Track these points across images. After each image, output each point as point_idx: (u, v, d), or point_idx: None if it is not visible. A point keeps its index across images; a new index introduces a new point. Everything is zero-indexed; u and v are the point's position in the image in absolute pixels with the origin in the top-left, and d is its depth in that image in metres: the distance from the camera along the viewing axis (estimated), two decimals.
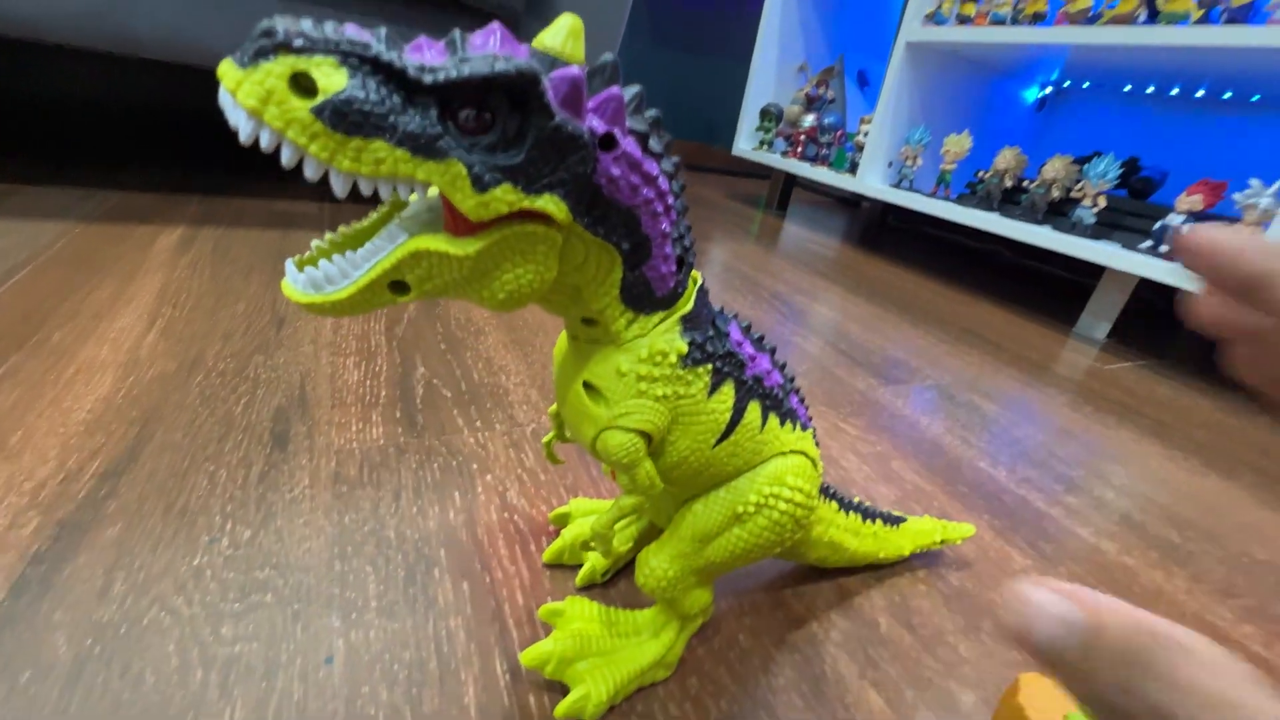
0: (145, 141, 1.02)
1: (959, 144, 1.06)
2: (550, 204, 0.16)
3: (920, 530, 0.33)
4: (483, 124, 0.14)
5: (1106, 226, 0.91)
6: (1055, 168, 0.94)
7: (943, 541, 0.34)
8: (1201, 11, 0.75)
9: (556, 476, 0.37)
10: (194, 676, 0.23)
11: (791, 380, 0.24)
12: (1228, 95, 1.04)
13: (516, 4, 0.76)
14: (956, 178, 1.11)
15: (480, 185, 0.14)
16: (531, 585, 0.29)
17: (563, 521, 0.32)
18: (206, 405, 0.38)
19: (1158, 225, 0.83)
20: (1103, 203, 0.88)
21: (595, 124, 0.16)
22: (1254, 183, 0.73)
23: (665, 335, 0.20)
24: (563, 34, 0.15)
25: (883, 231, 1.57)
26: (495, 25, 0.15)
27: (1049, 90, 1.27)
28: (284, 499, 0.32)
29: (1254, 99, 1.03)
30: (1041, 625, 0.10)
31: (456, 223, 0.16)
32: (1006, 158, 1.00)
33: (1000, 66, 1.15)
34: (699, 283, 0.21)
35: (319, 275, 0.15)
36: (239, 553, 0.28)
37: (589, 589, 0.30)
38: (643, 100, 0.18)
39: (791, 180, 1.53)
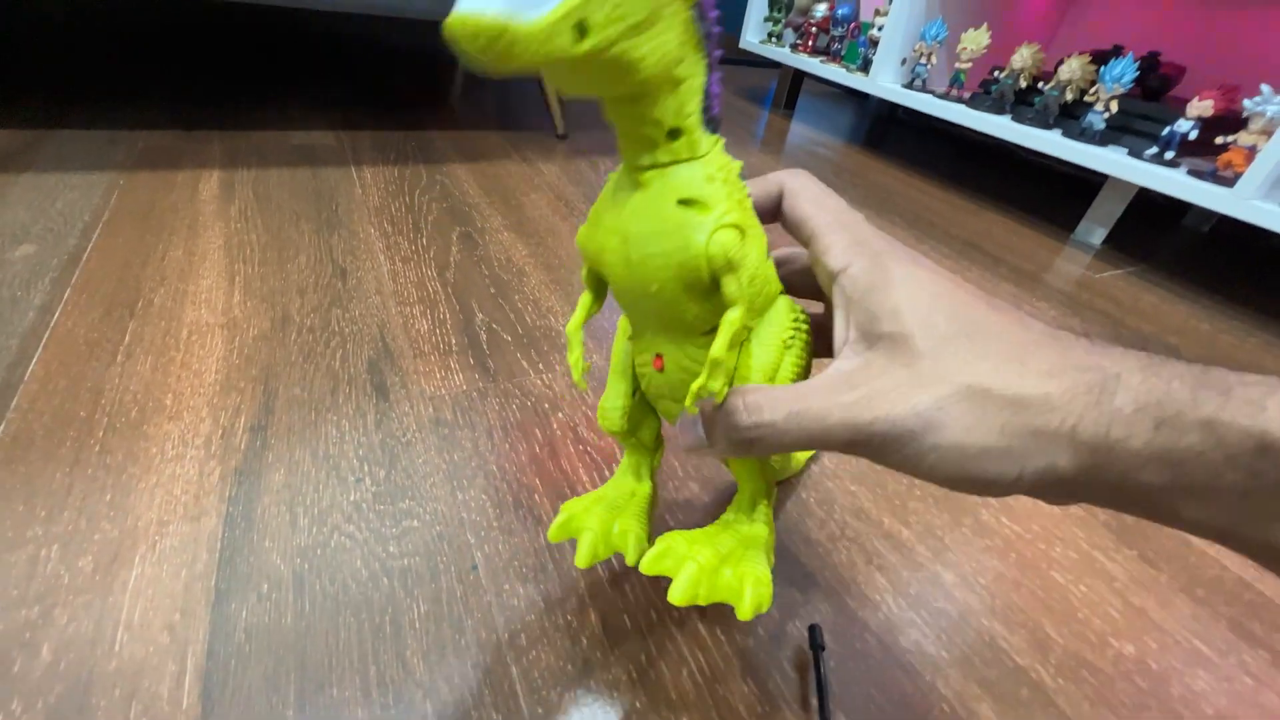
0: (140, 72, 0.99)
1: (975, 40, 1.03)
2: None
3: None
4: None
5: (1117, 130, 0.92)
6: (1072, 68, 0.92)
7: None
8: None
9: None
10: (382, 582, 0.31)
11: None
12: None
13: None
14: (973, 76, 1.09)
15: None
16: None
17: (568, 532, 0.28)
18: (310, 361, 0.44)
19: (1166, 131, 0.84)
20: (1115, 107, 0.88)
21: None
22: (1264, 89, 0.74)
23: (720, 152, 0.21)
24: None
25: (891, 127, 1.54)
26: None
27: None
28: (400, 443, 0.39)
29: None
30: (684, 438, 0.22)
31: None
32: (1024, 56, 0.98)
33: None
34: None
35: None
36: (381, 489, 0.36)
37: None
38: None
39: (800, 77, 1.47)
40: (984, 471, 0.18)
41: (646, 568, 0.24)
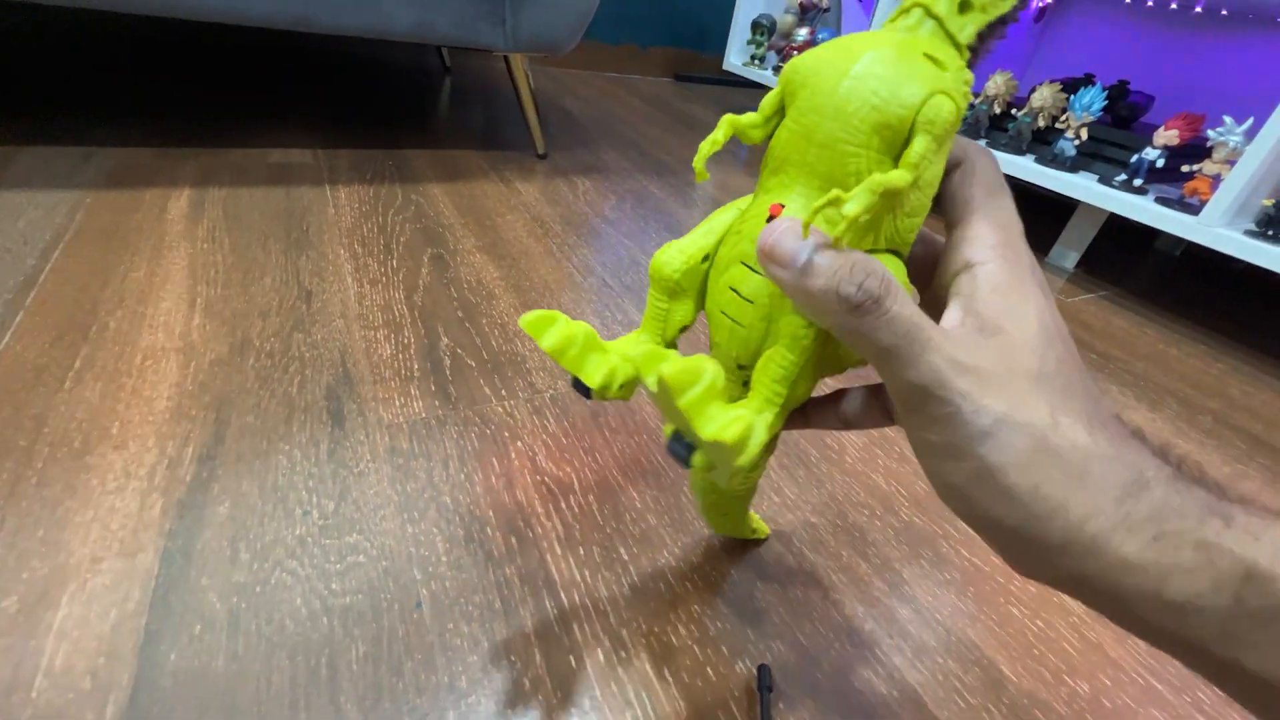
0: (119, 88, 0.99)
1: None
2: None
3: None
4: None
5: (1087, 157, 0.93)
6: (1043, 96, 0.94)
7: None
8: None
9: (575, 440, 0.44)
10: (322, 622, 0.30)
11: None
12: (1224, 12, 1.02)
13: None
14: None
15: None
16: (565, 538, 0.37)
17: (542, 330, 0.22)
18: (266, 387, 0.43)
19: (1134, 158, 0.86)
20: (1085, 135, 0.90)
21: None
22: (1227, 120, 0.76)
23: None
24: None
25: None
26: None
27: (1048, 0, 1.22)
28: (353, 473, 0.38)
29: (1249, 16, 1.01)
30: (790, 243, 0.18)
31: None
32: (997, 83, 1.00)
33: None
34: None
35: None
36: (329, 522, 0.35)
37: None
38: None
39: None
40: (995, 506, 0.18)
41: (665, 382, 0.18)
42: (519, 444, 0.43)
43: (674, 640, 0.32)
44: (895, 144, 0.18)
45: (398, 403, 0.44)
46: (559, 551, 0.36)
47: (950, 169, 0.21)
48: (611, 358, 0.23)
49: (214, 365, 0.44)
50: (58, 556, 0.31)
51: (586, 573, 0.35)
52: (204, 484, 0.36)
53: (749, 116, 0.21)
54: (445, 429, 0.43)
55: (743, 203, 0.23)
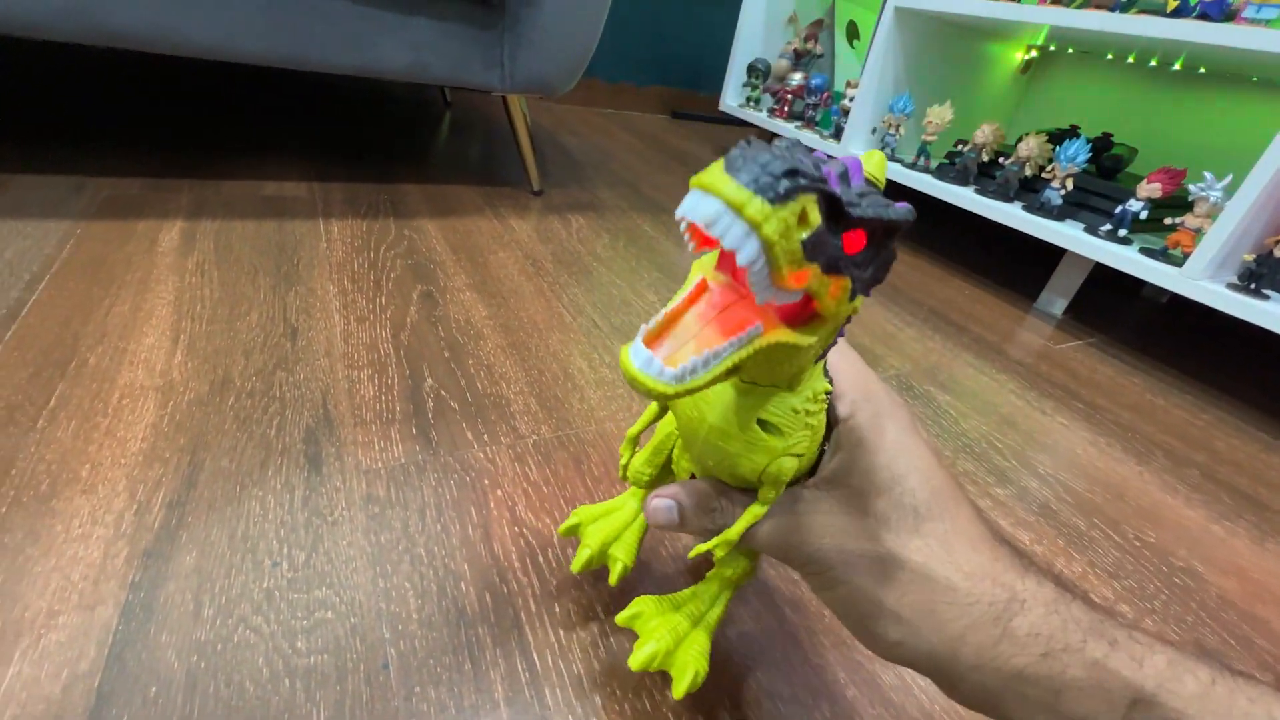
0: (116, 117, 1.00)
1: (940, 115, 1.07)
2: (859, 300, 0.18)
3: None
4: (857, 252, 0.16)
5: (1073, 205, 0.95)
6: (1030, 146, 0.96)
7: None
8: (1176, 3, 0.76)
9: (556, 489, 0.43)
10: (283, 684, 0.29)
11: None
12: (1202, 70, 1.05)
13: None
14: (939, 147, 1.13)
15: (852, 295, 0.17)
16: (541, 594, 0.36)
17: (574, 533, 0.34)
18: (244, 429, 0.43)
19: (1119, 210, 0.87)
20: (1070, 185, 0.92)
21: None
22: (1207, 175, 0.78)
23: (819, 377, 0.23)
24: (879, 164, 0.19)
25: None
26: (852, 159, 0.18)
27: (1034, 54, 1.26)
28: (327, 522, 0.37)
29: (1227, 75, 1.05)
30: (657, 518, 0.25)
31: (784, 313, 0.17)
32: (985, 132, 1.03)
33: (987, 30, 1.15)
34: None
35: (688, 369, 0.16)
36: (298, 575, 0.34)
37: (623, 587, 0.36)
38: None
39: (775, 138, 1.52)
40: (873, 624, 0.21)
41: (620, 620, 0.30)
42: (499, 492, 0.42)
43: (649, 707, 0.31)
44: (752, 481, 0.24)
45: (377, 447, 0.44)
46: (534, 609, 0.35)
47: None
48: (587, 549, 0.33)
49: (192, 405, 0.44)
50: (13, 610, 0.30)
51: (562, 633, 0.34)
52: (172, 532, 0.35)
53: (646, 417, 0.30)
54: (424, 476, 0.42)
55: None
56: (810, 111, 1.36)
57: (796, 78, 1.37)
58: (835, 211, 0.15)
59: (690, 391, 0.16)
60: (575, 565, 0.33)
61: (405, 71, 0.78)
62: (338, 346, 0.53)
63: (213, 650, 0.30)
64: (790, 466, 0.22)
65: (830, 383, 0.24)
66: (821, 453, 0.25)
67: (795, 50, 1.43)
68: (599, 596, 0.36)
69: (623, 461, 0.31)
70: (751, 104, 1.49)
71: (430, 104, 1.46)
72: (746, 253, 0.14)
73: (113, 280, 0.56)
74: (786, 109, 1.40)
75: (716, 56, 1.86)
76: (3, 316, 0.48)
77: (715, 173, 0.14)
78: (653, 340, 0.17)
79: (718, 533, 0.24)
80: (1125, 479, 0.58)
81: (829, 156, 0.17)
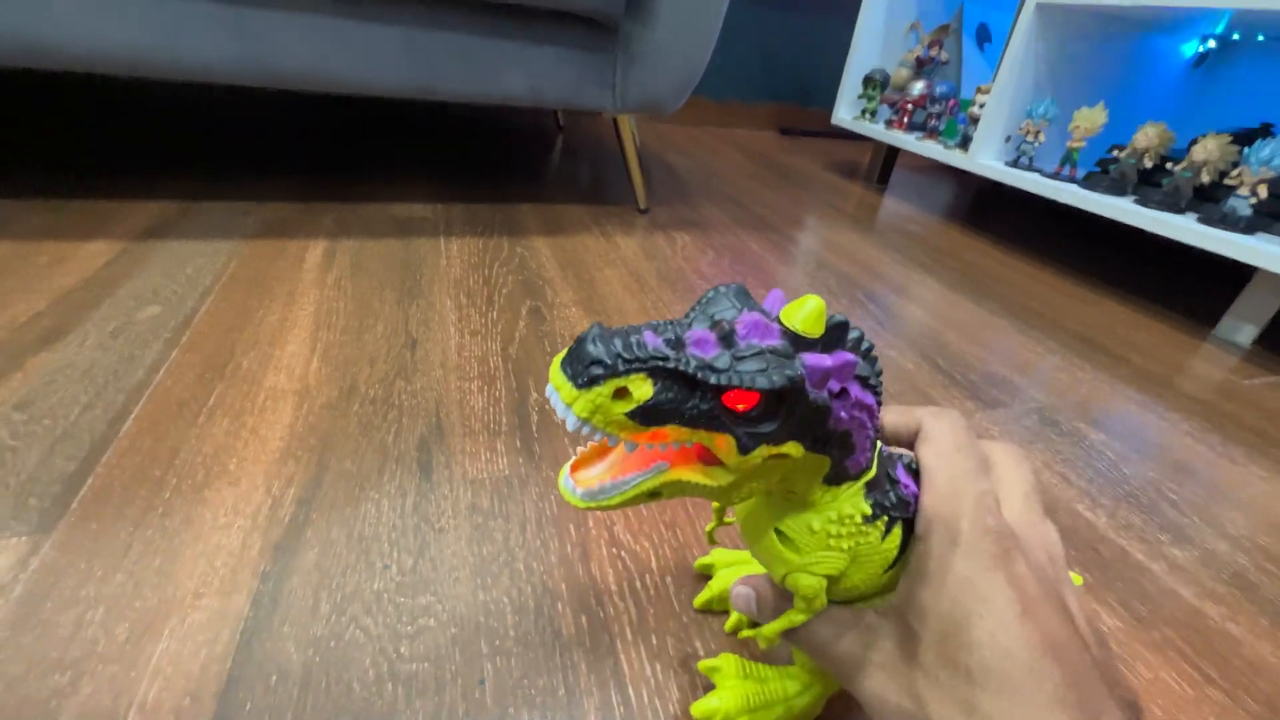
0: (278, 149, 1.14)
1: (1090, 119, 0.96)
2: (791, 448, 0.18)
3: None
4: (750, 409, 0.17)
5: (1267, 217, 0.81)
6: (1208, 148, 0.83)
7: None
8: None
9: (655, 512, 0.42)
10: (386, 688, 0.29)
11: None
12: None
13: (615, 8, 0.76)
14: (1087, 154, 1.01)
15: (744, 449, 0.18)
16: (638, 623, 0.34)
17: (708, 570, 0.37)
18: (365, 434, 0.45)
19: None
20: (1263, 192, 0.78)
21: (833, 384, 0.18)
22: None
23: (853, 500, 0.21)
24: (810, 316, 0.17)
25: (997, 201, 1.45)
26: (753, 317, 0.18)
27: (1211, 44, 1.10)
28: (434, 529, 0.38)
29: None
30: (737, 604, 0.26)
31: (705, 456, 0.19)
32: (1149, 135, 0.90)
33: (1149, 21, 1.01)
34: (879, 449, 0.23)
35: (596, 490, 0.19)
36: (406, 579, 0.35)
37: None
38: (862, 339, 0.20)
39: (895, 151, 1.44)
40: None
41: (701, 667, 0.30)
42: (597, 511, 0.41)
43: None
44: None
45: (484, 457, 0.45)
46: (630, 638, 0.33)
47: (911, 438, 0.24)
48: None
49: (323, 409, 0.47)
50: (167, 588, 0.33)
51: (658, 666, 0.32)
52: (299, 527, 0.37)
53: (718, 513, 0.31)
54: (526, 489, 0.42)
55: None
56: (933, 121, 1.27)
57: (919, 86, 1.29)
58: (688, 380, 0.17)
59: (602, 508, 0.20)
60: (698, 600, 0.35)
61: (524, 96, 0.82)
62: (452, 358, 0.56)
63: (326, 646, 0.31)
64: (809, 584, 0.22)
65: (878, 501, 0.22)
66: (900, 555, 0.23)
67: (917, 59, 1.35)
68: (699, 636, 0.34)
69: (708, 528, 0.31)
70: (867, 116, 1.42)
71: (544, 128, 1.53)
72: (570, 423, 0.17)
73: (266, 293, 0.62)
74: (906, 120, 1.32)
75: (828, 70, 1.80)
76: (180, 323, 0.55)
77: (555, 361, 0.17)
78: (580, 465, 0.21)
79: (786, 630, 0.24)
80: None
81: (742, 308, 0.18)
